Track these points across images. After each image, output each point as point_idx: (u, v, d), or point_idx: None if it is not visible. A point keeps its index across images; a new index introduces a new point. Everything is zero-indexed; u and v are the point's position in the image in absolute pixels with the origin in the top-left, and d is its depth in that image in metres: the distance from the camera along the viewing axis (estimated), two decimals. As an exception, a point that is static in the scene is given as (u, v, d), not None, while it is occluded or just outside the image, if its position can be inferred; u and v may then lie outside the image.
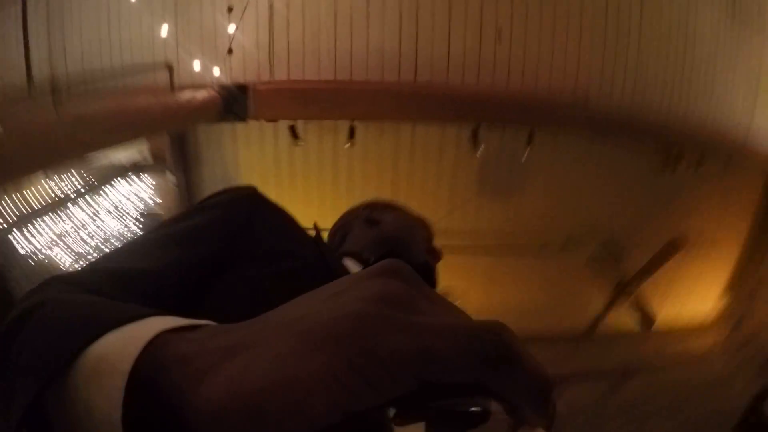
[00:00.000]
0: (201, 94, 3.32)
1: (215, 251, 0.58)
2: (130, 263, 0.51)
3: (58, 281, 0.46)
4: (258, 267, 0.58)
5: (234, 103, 3.38)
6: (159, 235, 0.59)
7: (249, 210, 0.65)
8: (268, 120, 3.63)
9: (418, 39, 3.57)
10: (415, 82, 3.59)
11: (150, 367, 0.25)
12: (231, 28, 3.43)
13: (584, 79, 3.63)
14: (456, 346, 0.22)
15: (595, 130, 3.77)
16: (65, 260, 3.27)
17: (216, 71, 3.45)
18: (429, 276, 0.92)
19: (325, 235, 0.92)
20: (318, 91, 3.55)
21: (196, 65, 3.45)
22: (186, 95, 3.27)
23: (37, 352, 0.31)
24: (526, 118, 3.68)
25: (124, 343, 0.26)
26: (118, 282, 0.49)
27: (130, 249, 0.56)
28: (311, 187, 3.94)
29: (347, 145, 3.63)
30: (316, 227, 0.82)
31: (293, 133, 3.59)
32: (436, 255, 0.99)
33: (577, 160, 3.84)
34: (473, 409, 0.24)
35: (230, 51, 3.43)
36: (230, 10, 3.40)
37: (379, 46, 3.55)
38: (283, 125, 3.61)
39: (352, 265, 0.80)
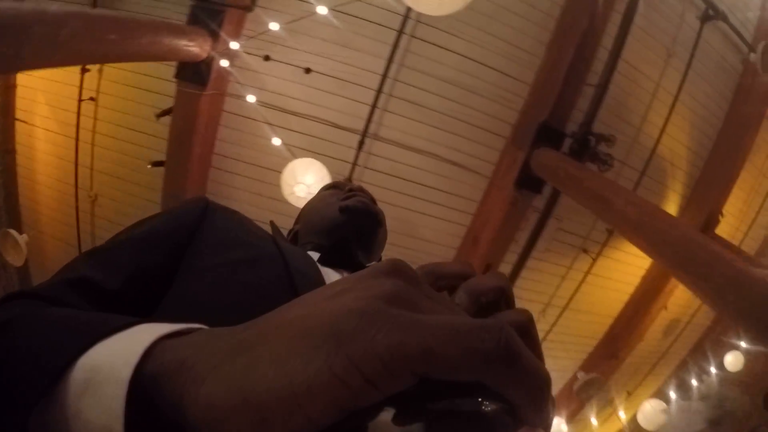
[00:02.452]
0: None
1: (171, 253, 0.58)
2: (89, 272, 0.51)
3: (20, 296, 0.44)
4: (214, 257, 0.58)
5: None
6: (116, 242, 0.59)
7: (202, 210, 0.66)
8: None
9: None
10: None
11: (150, 374, 0.24)
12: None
13: None
14: (456, 343, 0.22)
15: None
16: None
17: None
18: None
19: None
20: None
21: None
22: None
23: (19, 368, 0.29)
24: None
25: (119, 351, 0.26)
26: (80, 292, 0.48)
27: (88, 258, 0.56)
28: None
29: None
30: (272, 224, 0.82)
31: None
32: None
33: None
34: (473, 409, 0.24)
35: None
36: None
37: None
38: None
39: (314, 254, 0.78)
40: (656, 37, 4.65)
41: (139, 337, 0.27)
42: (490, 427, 0.24)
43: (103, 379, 0.25)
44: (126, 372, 0.24)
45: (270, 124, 4.12)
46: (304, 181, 3.48)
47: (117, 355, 0.26)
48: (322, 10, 3.46)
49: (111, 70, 4.35)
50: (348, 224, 0.86)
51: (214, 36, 3.71)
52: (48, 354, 0.28)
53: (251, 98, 3.79)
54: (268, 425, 0.22)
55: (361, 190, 0.97)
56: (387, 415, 0.25)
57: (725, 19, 4.67)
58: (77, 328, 0.31)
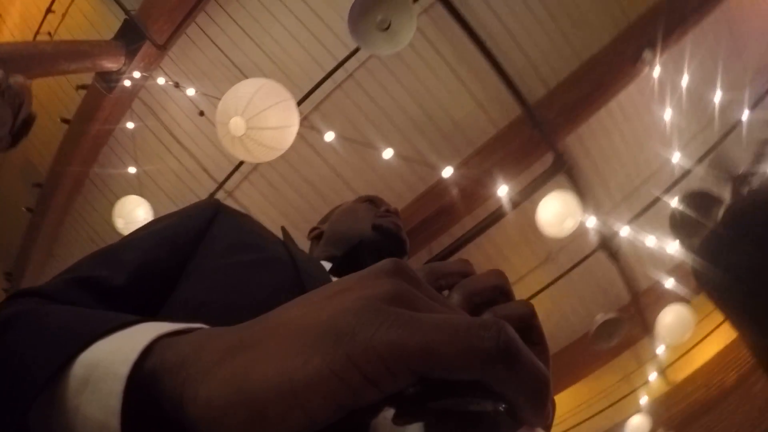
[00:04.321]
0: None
1: (178, 253, 0.58)
2: (95, 270, 0.51)
3: (27, 294, 0.45)
4: (223, 258, 0.58)
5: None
6: (124, 242, 0.59)
7: (213, 212, 0.66)
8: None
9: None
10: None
11: (149, 372, 0.25)
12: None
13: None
14: (456, 341, 0.22)
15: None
16: None
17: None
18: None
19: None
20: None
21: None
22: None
23: (20, 364, 0.29)
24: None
25: (119, 349, 0.26)
26: (86, 290, 0.49)
27: (95, 257, 0.55)
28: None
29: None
30: (283, 229, 0.81)
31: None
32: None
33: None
34: (473, 409, 0.24)
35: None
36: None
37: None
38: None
39: (326, 264, 0.78)
40: (542, 238, 4.57)
41: (140, 335, 0.27)
42: (490, 427, 0.24)
43: (101, 375, 0.25)
44: (124, 369, 0.24)
45: (158, 139, 4.54)
46: (131, 215, 3.86)
47: (116, 352, 0.26)
48: (190, 91, 3.75)
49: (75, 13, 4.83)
50: (376, 243, 0.85)
51: (131, 55, 4.08)
52: (48, 350, 0.29)
53: (130, 125, 4.23)
54: (267, 423, 0.22)
55: (396, 213, 0.97)
56: (387, 414, 0.25)
57: (618, 263, 4.52)
58: (78, 325, 0.31)
